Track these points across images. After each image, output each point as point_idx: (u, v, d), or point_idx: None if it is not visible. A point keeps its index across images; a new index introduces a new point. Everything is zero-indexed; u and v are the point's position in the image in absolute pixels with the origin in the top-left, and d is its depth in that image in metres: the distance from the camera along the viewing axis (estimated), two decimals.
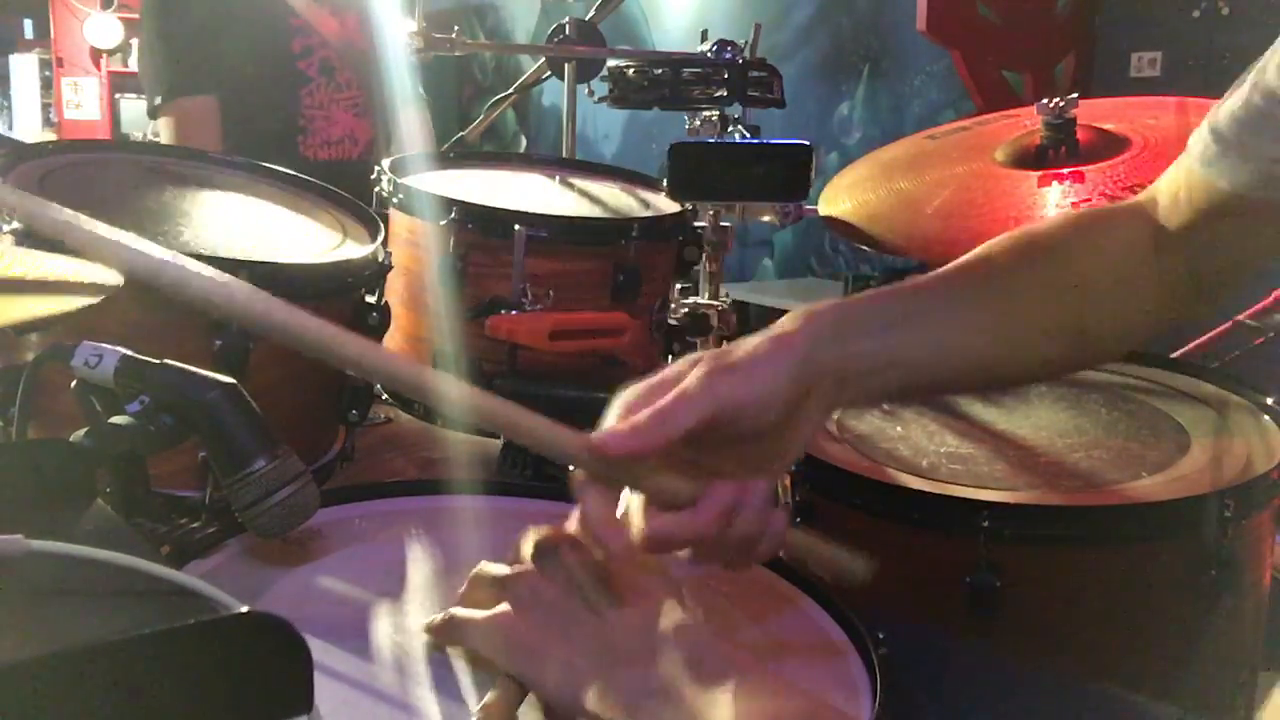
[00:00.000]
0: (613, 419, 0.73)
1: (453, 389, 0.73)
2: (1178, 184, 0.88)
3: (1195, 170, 0.86)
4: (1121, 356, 1.21)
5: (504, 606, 0.68)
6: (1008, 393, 1.28)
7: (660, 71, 1.72)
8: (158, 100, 2.15)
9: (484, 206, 1.31)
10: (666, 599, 0.66)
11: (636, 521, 0.72)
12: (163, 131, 2.18)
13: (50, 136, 7.23)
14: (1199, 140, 0.86)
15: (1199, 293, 0.90)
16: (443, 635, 0.71)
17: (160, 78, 2.14)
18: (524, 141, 6.54)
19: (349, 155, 2.26)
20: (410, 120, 2.32)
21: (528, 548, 0.70)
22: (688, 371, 0.73)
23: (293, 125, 2.19)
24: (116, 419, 0.73)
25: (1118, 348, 0.94)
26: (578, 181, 1.57)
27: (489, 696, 0.66)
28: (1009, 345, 0.85)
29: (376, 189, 1.40)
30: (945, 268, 0.85)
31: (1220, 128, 0.84)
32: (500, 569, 0.71)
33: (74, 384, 0.76)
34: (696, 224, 1.52)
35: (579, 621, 0.65)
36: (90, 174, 1.17)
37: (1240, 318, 1.77)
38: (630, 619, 0.65)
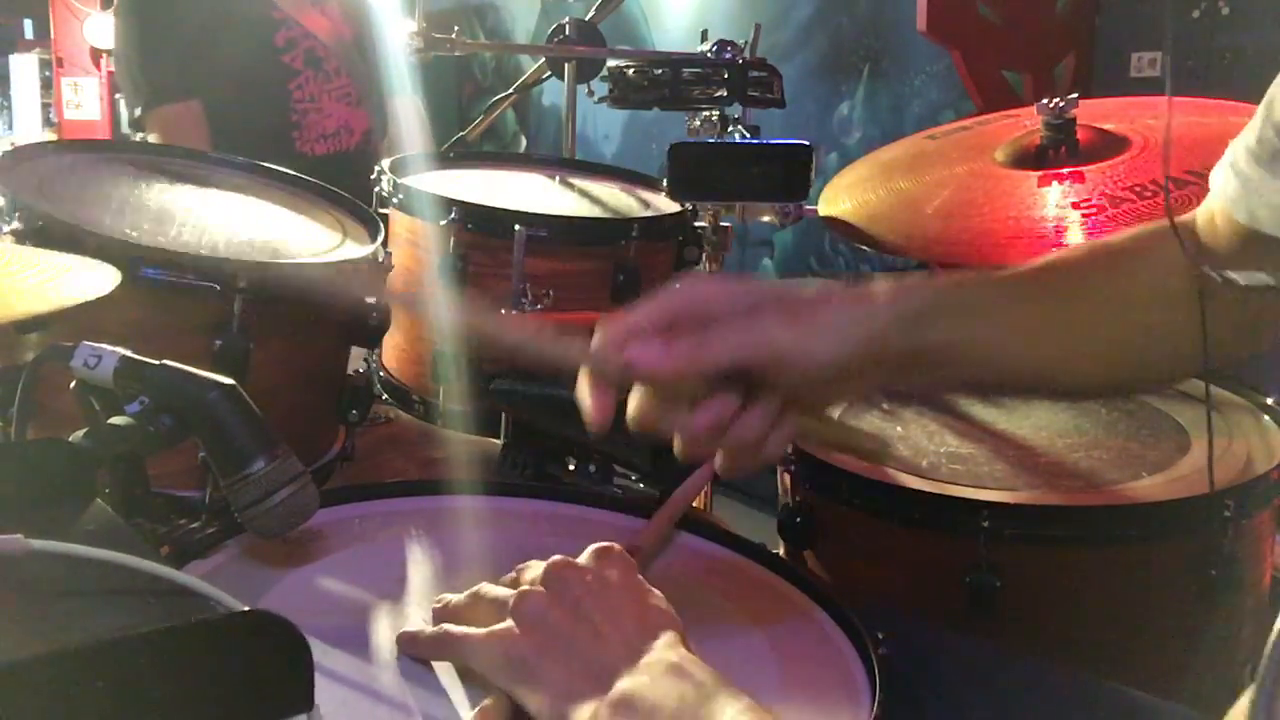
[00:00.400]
0: (657, 315, 0.72)
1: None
2: (1211, 214, 0.88)
3: (1221, 206, 0.85)
4: (1174, 382, 1.20)
5: (507, 623, 0.67)
6: (1058, 399, 1.26)
7: (660, 71, 1.72)
8: (138, 111, 2.14)
9: (484, 206, 1.31)
10: (668, 631, 0.66)
11: (638, 406, 0.73)
12: (151, 140, 2.16)
13: (50, 136, 7.22)
14: (1220, 175, 0.86)
15: (1243, 323, 0.89)
16: (432, 649, 0.71)
17: (140, 87, 2.13)
18: (524, 141, 6.53)
19: (346, 147, 2.25)
20: (404, 106, 2.31)
21: (538, 570, 0.70)
22: (743, 301, 0.72)
23: (285, 121, 2.17)
24: (116, 419, 0.73)
25: (1171, 370, 0.92)
26: (578, 181, 1.57)
27: (487, 700, 0.66)
28: (1071, 351, 0.84)
29: (376, 189, 1.40)
30: (1023, 266, 0.85)
31: (1239, 164, 0.83)
32: (503, 591, 0.71)
33: (73, 384, 0.76)
34: (696, 224, 1.52)
35: (580, 646, 0.65)
36: (90, 174, 1.17)
37: None
38: (631, 649, 0.65)
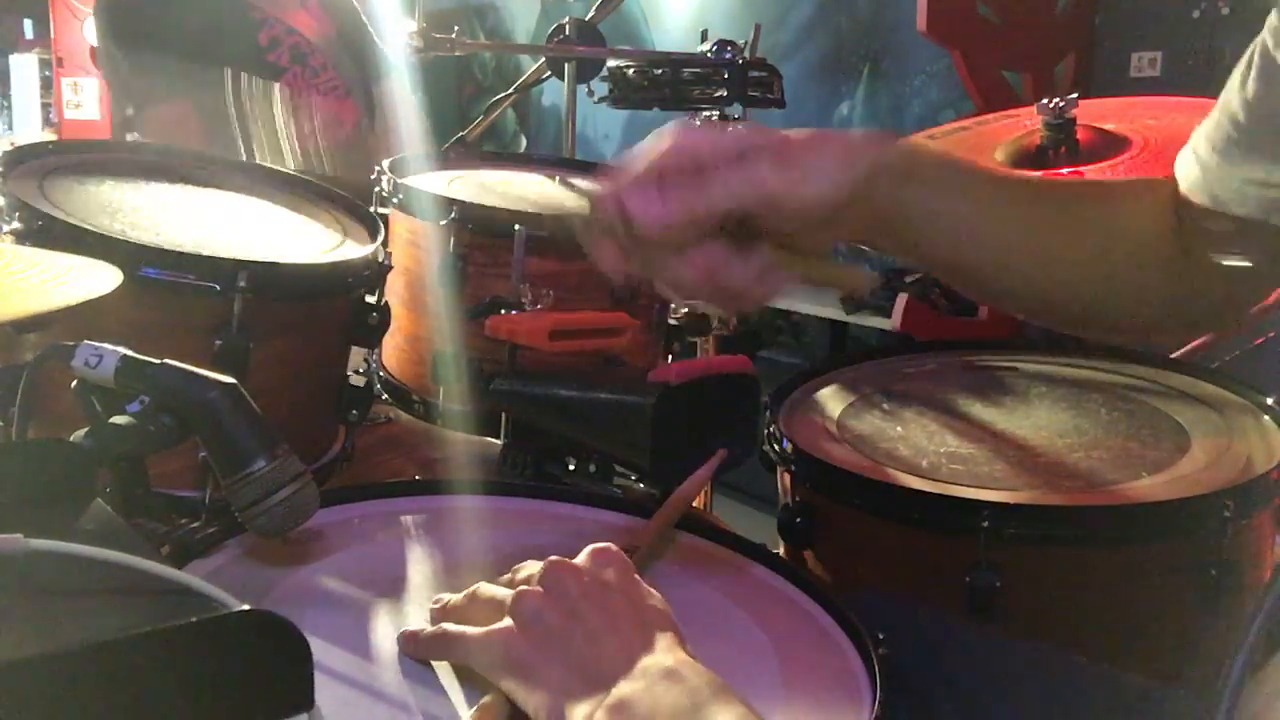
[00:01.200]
0: (652, 160, 0.74)
1: None
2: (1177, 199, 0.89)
3: (1183, 190, 0.87)
4: (1129, 334, 1.20)
5: (506, 622, 0.68)
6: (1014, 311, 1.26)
7: (660, 71, 1.72)
8: (129, 112, 2.14)
9: (484, 206, 1.31)
10: (665, 634, 0.66)
11: (633, 253, 0.75)
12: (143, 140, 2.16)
13: (50, 136, 7.22)
14: (1183, 161, 0.87)
15: (1210, 297, 0.90)
16: (431, 648, 0.71)
17: (131, 90, 2.13)
18: (524, 141, 6.54)
19: (337, 137, 2.26)
20: (390, 90, 2.31)
21: (535, 570, 0.70)
22: (734, 148, 0.73)
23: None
24: (116, 419, 0.73)
25: (1132, 318, 0.93)
26: (578, 181, 1.57)
27: (486, 699, 0.66)
28: (1044, 259, 0.85)
29: (376, 189, 1.40)
30: (1020, 172, 0.86)
31: (1199, 151, 0.85)
32: (501, 590, 0.71)
33: (74, 384, 0.76)
34: None
35: (577, 647, 0.65)
36: (90, 174, 1.17)
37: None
38: (628, 652, 0.65)
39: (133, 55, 2.12)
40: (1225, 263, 0.81)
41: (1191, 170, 0.85)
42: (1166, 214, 0.87)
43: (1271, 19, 0.77)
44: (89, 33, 7.28)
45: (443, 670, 0.70)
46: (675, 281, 0.76)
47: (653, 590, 0.70)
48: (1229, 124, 0.81)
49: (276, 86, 2.17)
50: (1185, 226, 0.86)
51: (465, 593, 0.73)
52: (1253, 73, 0.79)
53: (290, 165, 2.11)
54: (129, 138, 2.11)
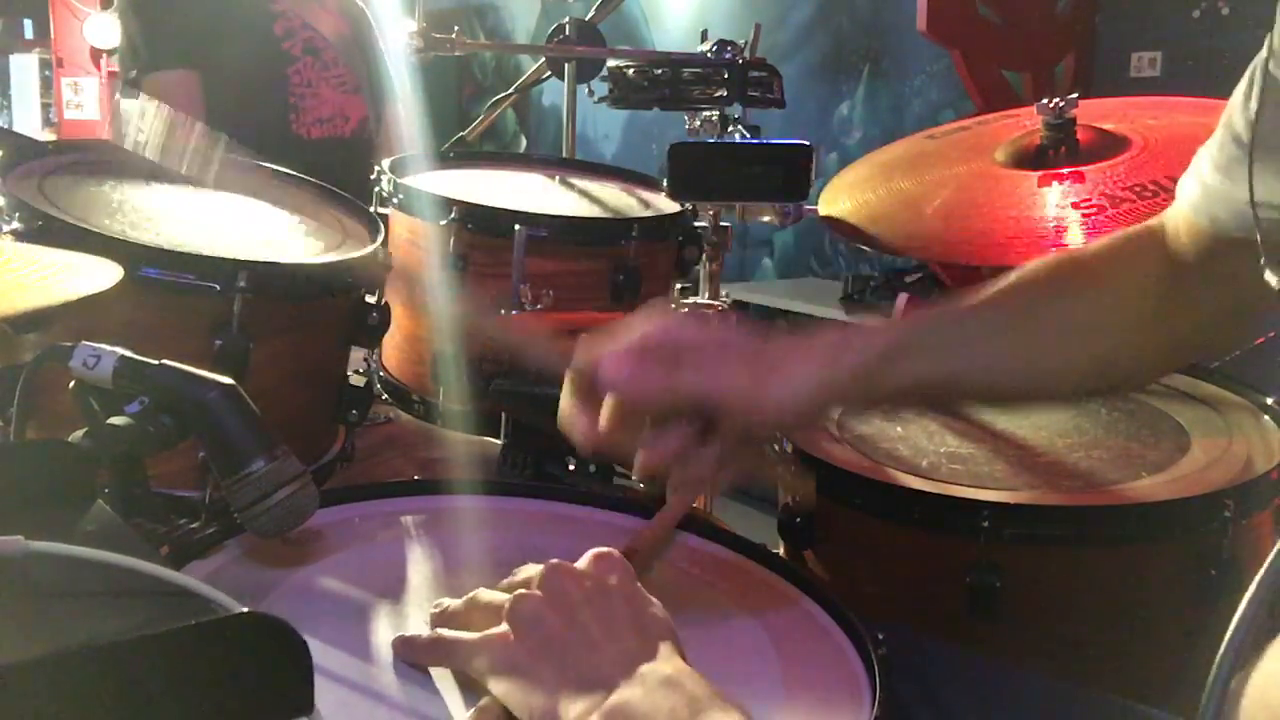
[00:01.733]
0: (634, 337, 0.79)
1: None
2: (1176, 221, 0.89)
3: (1185, 212, 0.87)
4: (1149, 384, 1.24)
5: (502, 628, 0.67)
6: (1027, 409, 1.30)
7: (660, 71, 1.72)
8: (132, 74, 2.13)
9: (484, 206, 1.31)
10: (664, 642, 0.66)
11: (603, 419, 0.80)
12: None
13: (50, 136, 7.22)
14: (1186, 183, 0.88)
15: (1216, 326, 0.91)
16: (427, 654, 0.71)
17: (139, 52, 2.13)
18: (524, 141, 6.54)
19: (342, 132, 2.26)
20: (396, 114, 2.33)
21: (534, 573, 0.70)
22: (714, 343, 0.79)
23: (283, 103, 2.18)
24: (115, 419, 0.73)
25: (1144, 377, 0.96)
26: (578, 181, 1.57)
27: (484, 701, 0.65)
28: (1036, 372, 0.88)
29: (376, 189, 1.40)
30: (990, 290, 0.88)
31: (1202, 173, 0.86)
32: (499, 596, 0.71)
33: (73, 384, 0.76)
34: (696, 224, 1.52)
35: (575, 653, 0.65)
36: (90, 174, 1.17)
37: None
38: (627, 658, 0.64)
39: (146, 15, 2.12)
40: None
41: (1194, 193, 0.86)
42: (1156, 265, 0.88)
43: (1272, 38, 0.77)
44: (89, 33, 7.30)
45: (442, 672, 0.70)
46: (643, 454, 0.80)
47: (653, 599, 0.70)
48: (1232, 143, 0.82)
49: (288, 72, 2.18)
50: (1190, 264, 0.87)
51: (464, 599, 0.73)
52: (1254, 91, 0.79)
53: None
54: (119, 99, 2.12)
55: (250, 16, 2.18)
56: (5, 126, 7.85)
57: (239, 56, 2.14)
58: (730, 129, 1.70)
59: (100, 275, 0.81)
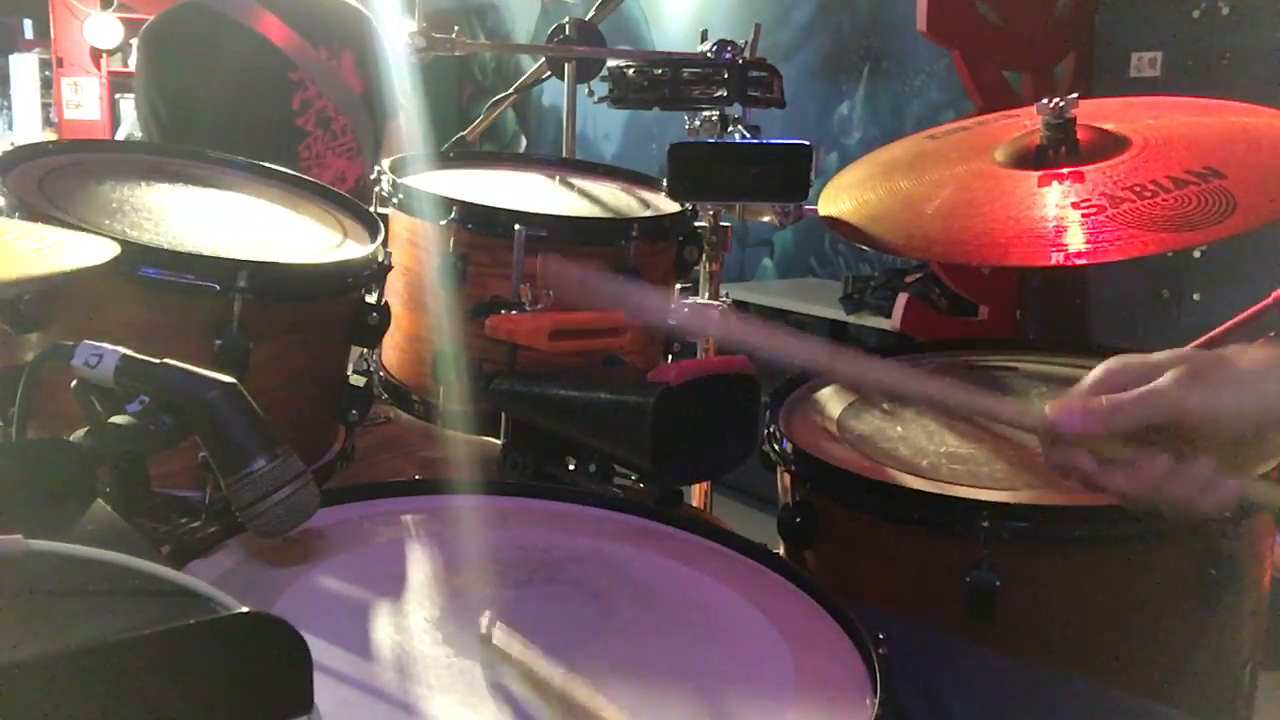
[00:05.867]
0: (1089, 385, 0.80)
1: None
2: None
3: None
4: None
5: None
6: None
7: (660, 71, 1.72)
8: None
9: (484, 206, 1.31)
10: None
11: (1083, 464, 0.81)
12: None
13: (50, 136, 7.22)
14: None
15: None
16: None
17: (161, 127, 2.12)
18: (524, 141, 6.54)
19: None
20: (397, 130, 2.33)
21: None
22: (1159, 367, 0.79)
23: None
24: (116, 419, 0.73)
25: None
26: (578, 181, 1.57)
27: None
28: None
29: (376, 189, 1.40)
30: None
31: None
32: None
33: (74, 384, 0.76)
34: (696, 224, 1.52)
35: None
36: (90, 174, 1.17)
37: (1241, 317, 1.77)
38: None
39: (172, 98, 2.11)
40: None
41: None
42: None
43: None
44: (89, 33, 7.30)
45: (443, 672, 0.70)
46: (1123, 491, 0.81)
47: None
48: None
49: (298, 149, 2.18)
50: None
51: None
52: None
53: None
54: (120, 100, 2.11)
55: (271, 94, 2.15)
56: (5, 128, 7.86)
57: (255, 140, 2.10)
58: (730, 129, 1.70)
59: (95, 251, 0.80)
